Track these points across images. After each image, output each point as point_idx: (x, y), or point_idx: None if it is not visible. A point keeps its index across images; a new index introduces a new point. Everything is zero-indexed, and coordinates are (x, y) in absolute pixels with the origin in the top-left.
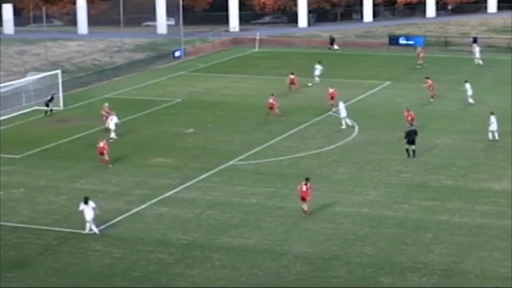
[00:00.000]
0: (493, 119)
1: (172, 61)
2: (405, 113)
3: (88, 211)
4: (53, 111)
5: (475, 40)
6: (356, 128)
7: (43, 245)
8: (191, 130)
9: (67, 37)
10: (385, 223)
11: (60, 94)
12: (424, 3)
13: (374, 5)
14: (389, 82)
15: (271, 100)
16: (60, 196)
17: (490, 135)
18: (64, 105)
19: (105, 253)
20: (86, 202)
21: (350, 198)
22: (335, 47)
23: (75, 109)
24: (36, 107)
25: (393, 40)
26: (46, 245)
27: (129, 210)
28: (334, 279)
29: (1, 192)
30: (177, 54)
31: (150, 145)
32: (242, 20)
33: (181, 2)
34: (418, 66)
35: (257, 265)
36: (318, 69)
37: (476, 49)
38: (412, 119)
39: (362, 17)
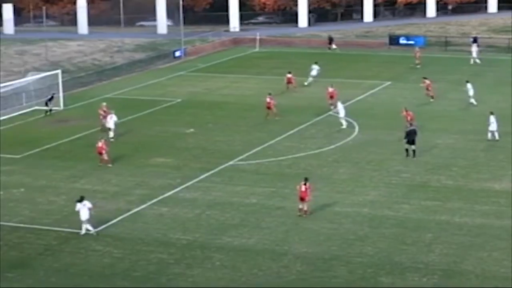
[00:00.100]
0: (492, 119)
1: (172, 61)
2: (404, 113)
3: (84, 211)
4: (53, 111)
5: (475, 40)
6: (356, 128)
7: (43, 245)
8: (191, 130)
9: (67, 37)
10: (385, 223)
11: (60, 94)
12: (424, 3)
13: (375, 5)
14: (389, 82)
15: (268, 100)
16: (60, 196)
17: (489, 135)
18: (64, 105)
19: (105, 253)
20: (81, 201)
21: (350, 198)
22: (333, 46)
23: (75, 109)
24: (36, 107)
25: (393, 40)
26: (47, 245)
27: (129, 210)
28: (334, 279)
29: (1, 192)
30: (177, 54)
31: (150, 145)
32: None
33: (181, 2)
34: (418, 66)
35: (257, 265)
36: (314, 69)
37: (473, 48)
38: (411, 119)
39: (362, 17)
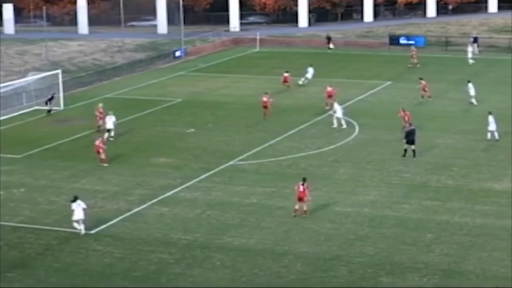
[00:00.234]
0: (491, 119)
1: (173, 61)
2: (401, 114)
3: (78, 210)
4: (53, 111)
5: (475, 40)
6: (357, 128)
7: (43, 245)
8: (192, 130)
9: (67, 37)
10: (386, 223)
11: (61, 94)
12: (425, 3)
13: (375, 5)
14: (389, 82)
15: (264, 99)
16: (60, 196)
17: (489, 135)
18: (65, 105)
19: (106, 253)
20: (75, 201)
21: (350, 198)
22: (331, 46)
23: (75, 109)
24: (37, 107)
25: (394, 40)
26: (47, 245)
27: (129, 210)
28: (334, 279)
29: (2, 192)
30: (177, 54)
31: (150, 145)
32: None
33: (181, 2)
34: (418, 65)
35: (257, 265)
36: (309, 72)
37: (469, 49)
38: (408, 119)
39: (362, 17)
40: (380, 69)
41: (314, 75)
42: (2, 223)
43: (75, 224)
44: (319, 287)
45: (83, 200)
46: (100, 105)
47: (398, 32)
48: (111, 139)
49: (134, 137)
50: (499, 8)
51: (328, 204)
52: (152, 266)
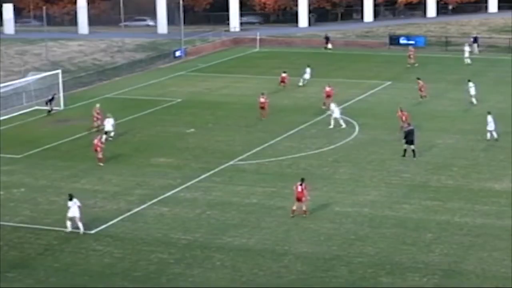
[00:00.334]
0: (490, 118)
1: (173, 61)
2: (399, 113)
3: (74, 208)
4: (53, 111)
5: (475, 40)
6: (357, 128)
7: (43, 245)
8: (192, 130)
9: (67, 37)
10: (386, 223)
11: (61, 94)
12: (425, 3)
13: (375, 5)
14: (389, 82)
15: (262, 99)
16: (60, 196)
17: (488, 135)
18: (65, 105)
19: (106, 253)
20: (71, 199)
21: (350, 198)
22: (329, 46)
23: (75, 109)
24: (37, 107)
25: (394, 40)
26: (47, 245)
27: (129, 210)
28: (334, 279)
29: (2, 192)
30: (177, 54)
31: (150, 145)
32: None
33: (181, 2)
34: (416, 65)
35: (257, 265)
36: (307, 72)
37: (466, 48)
38: (406, 119)
39: (362, 17)
40: (380, 69)
41: (312, 75)
42: (2, 223)
43: (68, 223)
44: (319, 287)
45: (83, 200)
46: (98, 105)
47: (398, 32)
48: (110, 139)
49: (134, 137)
50: (499, 8)
51: (328, 204)
52: (152, 266)
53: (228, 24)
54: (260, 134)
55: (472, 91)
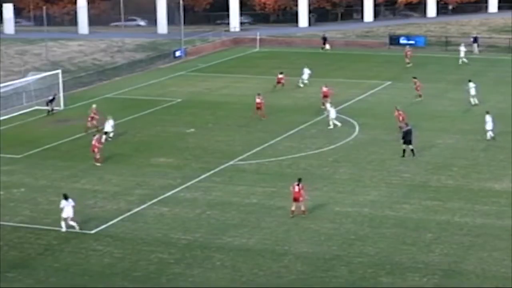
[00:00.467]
0: (488, 118)
1: (173, 61)
2: (396, 113)
3: (68, 208)
4: (54, 111)
5: (475, 40)
6: (357, 128)
7: (43, 245)
8: (192, 130)
9: (67, 37)
10: (386, 223)
11: (61, 94)
12: (425, 3)
13: (375, 5)
14: (389, 82)
15: (258, 100)
16: (60, 196)
17: (488, 135)
18: (65, 105)
19: (106, 253)
20: (66, 199)
21: (350, 198)
22: (327, 46)
23: (75, 109)
24: (37, 107)
25: (394, 40)
26: (47, 245)
27: (129, 210)
28: (334, 279)
29: (2, 192)
30: (177, 54)
31: (150, 145)
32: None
33: (181, 2)
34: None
35: (257, 265)
36: (306, 73)
37: (462, 48)
38: (403, 119)
39: (362, 17)
40: (380, 69)
41: (310, 75)
42: (2, 223)
43: (63, 223)
44: (319, 287)
45: (83, 200)
46: (94, 106)
47: (398, 32)
48: (109, 139)
49: (134, 137)
50: (499, 8)
51: (328, 204)
52: (152, 266)
53: (221, 23)
54: (260, 134)
55: (473, 91)
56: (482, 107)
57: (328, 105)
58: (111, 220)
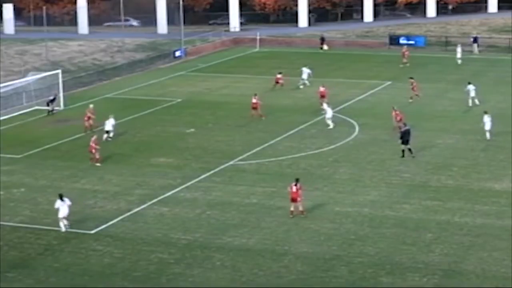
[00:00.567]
0: (486, 118)
1: (173, 61)
2: (393, 113)
3: (64, 208)
4: (54, 111)
5: (475, 40)
6: (357, 128)
7: (43, 245)
8: (192, 130)
9: (67, 37)
10: (386, 223)
11: (61, 94)
12: (425, 3)
13: (375, 5)
14: (389, 82)
15: (254, 100)
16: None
17: (488, 134)
18: (65, 105)
19: (106, 253)
20: (61, 199)
21: (350, 198)
22: (324, 46)
23: (75, 109)
24: (37, 107)
25: (394, 40)
26: (47, 245)
27: (129, 210)
28: (334, 279)
29: (2, 192)
30: (177, 54)
31: (150, 145)
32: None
33: (181, 2)
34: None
35: (257, 265)
36: (305, 72)
37: (458, 49)
38: (400, 119)
39: (362, 17)
40: (380, 69)
41: (310, 75)
42: (2, 223)
43: (61, 223)
44: (319, 287)
45: (83, 200)
46: (91, 106)
47: (398, 32)
48: (109, 139)
49: (134, 137)
50: (499, 8)
51: (328, 204)
52: (152, 266)
53: (213, 23)
54: (260, 134)
55: (472, 93)
56: (483, 107)
57: (325, 105)
58: (111, 220)
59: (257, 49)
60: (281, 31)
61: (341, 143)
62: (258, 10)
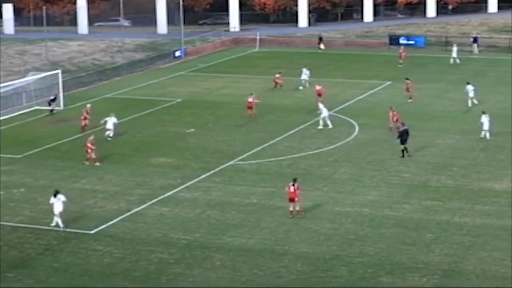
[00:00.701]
0: (484, 118)
1: (173, 61)
2: (390, 114)
3: (58, 204)
4: (54, 111)
5: (475, 40)
6: (356, 128)
7: (43, 245)
8: (192, 130)
9: (67, 37)
10: (386, 223)
11: (61, 94)
12: (425, 3)
13: (375, 5)
14: (389, 82)
15: (250, 99)
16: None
17: (487, 134)
18: (65, 105)
19: (106, 253)
20: (55, 196)
21: (350, 198)
22: (321, 46)
23: (75, 109)
24: (37, 107)
25: (394, 40)
26: (47, 245)
27: (129, 210)
28: (334, 279)
29: (2, 192)
30: (177, 54)
31: (150, 145)
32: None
33: (181, 2)
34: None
35: (257, 265)
36: (305, 74)
37: (454, 48)
38: (397, 120)
39: (362, 17)
40: (380, 69)
41: (309, 76)
42: (2, 223)
43: (59, 221)
44: (319, 287)
45: (83, 200)
46: (88, 106)
47: (398, 32)
48: (109, 139)
49: (134, 137)
50: (499, 8)
51: (328, 204)
52: (152, 266)
53: (203, 24)
54: (260, 134)
55: (471, 94)
56: (483, 107)
57: (321, 105)
58: (111, 220)
59: (257, 49)
60: (281, 31)
61: (341, 143)
62: (258, 10)
